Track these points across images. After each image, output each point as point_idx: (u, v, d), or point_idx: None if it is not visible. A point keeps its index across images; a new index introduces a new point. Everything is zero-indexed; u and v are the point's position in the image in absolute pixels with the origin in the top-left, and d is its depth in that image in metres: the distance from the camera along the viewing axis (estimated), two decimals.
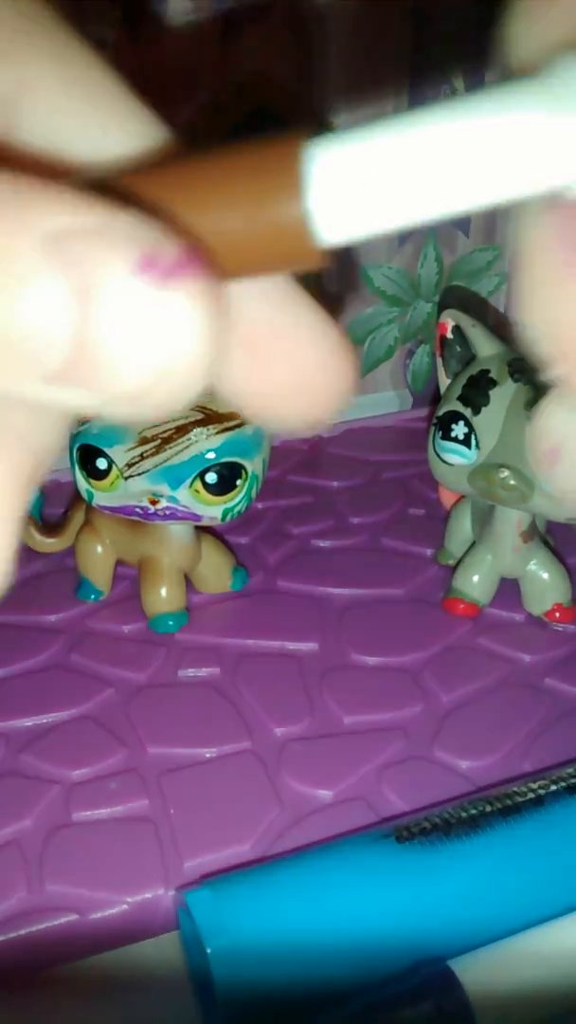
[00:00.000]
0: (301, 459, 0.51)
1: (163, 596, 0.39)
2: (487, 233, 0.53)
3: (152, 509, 0.35)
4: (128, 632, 0.39)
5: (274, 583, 0.42)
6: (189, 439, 0.34)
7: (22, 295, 0.09)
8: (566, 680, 0.37)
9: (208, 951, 0.25)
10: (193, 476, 0.34)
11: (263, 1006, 0.25)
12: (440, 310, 0.44)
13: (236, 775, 0.33)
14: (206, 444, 0.34)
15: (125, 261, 0.09)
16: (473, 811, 0.28)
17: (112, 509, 0.36)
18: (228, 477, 0.34)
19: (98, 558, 0.40)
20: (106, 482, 0.35)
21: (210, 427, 0.34)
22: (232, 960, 0.25)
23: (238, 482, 0.35)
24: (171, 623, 0.39)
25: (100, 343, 0.09)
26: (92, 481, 0.35)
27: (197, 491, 0.34)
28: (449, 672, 0.37)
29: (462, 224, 0.52)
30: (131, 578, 0.41)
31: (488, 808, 0.28)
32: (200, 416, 0.34)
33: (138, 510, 0.35)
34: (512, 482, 0.33)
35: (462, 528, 0.41)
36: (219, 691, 0.36)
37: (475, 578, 0.39)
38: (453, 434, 0.35)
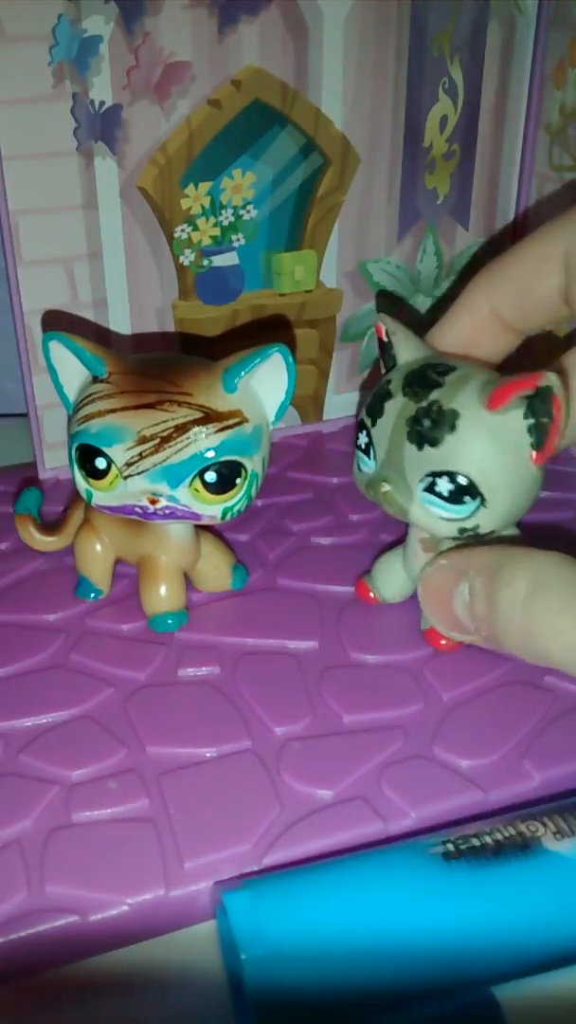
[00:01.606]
0: (301, 456, 0.51)
1: (162, 595, 0.39)
2: (487, 227, 0.52)
3: (152, 508, 0.35)
4: (127, 631, 0.39)
5: (274, 581, 0.42)
6: (188, 438, 0.33)
7: None
8: (566, 678, 0.36)
9: (242, 957, 0.25)
10: (192, 475, 0.34)
11: (297, 1018, 0.25)
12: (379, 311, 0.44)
13: (236, 775, 0.33)
14: (205, 443, 0.33)
15: None
16: (524, 829, 0.28)
17: (111, 509, 0.36)
18: (227, 476, 0.34)
19: (97, 557, 0.40)
20: (105, 481, 0.35)
21: (209, 426, 0.33)
22: (267, 969, 0.25)
23: (238, 481, 0.34)
24: (171, 622, 0.39)
25: None
26: (91, 480, 0.35)
27: (196, 490, 0.34)
28: (449, 670, 0.37)
29: (461, 218, 0.51)
30: (130, 577, 0.41)
31: (541, 829, 0.28)
32: (199, 415, 0.33)
33: (137, 509, 0.35)
34: (394, 497, 0.33)
35: None
36: (219, 690, 0.36)
37: (384, 574, 0.40)
38: (358, 442, 0.35)
